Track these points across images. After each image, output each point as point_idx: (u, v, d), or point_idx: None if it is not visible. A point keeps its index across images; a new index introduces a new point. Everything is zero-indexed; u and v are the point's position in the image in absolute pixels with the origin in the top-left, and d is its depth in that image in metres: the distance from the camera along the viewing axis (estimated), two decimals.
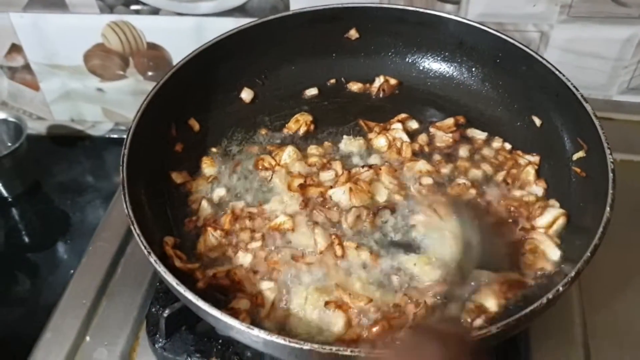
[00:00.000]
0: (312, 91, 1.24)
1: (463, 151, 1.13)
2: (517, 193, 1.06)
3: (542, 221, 1.00)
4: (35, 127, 1.63)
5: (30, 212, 1.49)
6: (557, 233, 0.99)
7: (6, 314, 1.28)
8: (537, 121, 1.13)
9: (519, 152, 1.12)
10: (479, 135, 1.16)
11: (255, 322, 0.88)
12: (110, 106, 1.59)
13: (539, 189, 1.06)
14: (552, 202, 1.04)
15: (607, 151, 0.93)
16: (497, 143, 1.15)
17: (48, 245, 1.41)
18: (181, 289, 0.81)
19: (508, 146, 1.14)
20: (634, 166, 1.29)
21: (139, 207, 0.93)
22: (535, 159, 1.11)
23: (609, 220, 0.85)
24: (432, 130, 1.17)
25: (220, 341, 0.96)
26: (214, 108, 1.19)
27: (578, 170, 1.03)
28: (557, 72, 1.06)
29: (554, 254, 0.96)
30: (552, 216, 1.00)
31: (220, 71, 1.18)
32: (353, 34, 1.24)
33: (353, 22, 1.23)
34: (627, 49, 1.36)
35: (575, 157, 1.04)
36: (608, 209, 0.86)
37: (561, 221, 0.99)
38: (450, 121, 1.17)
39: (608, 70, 1.41)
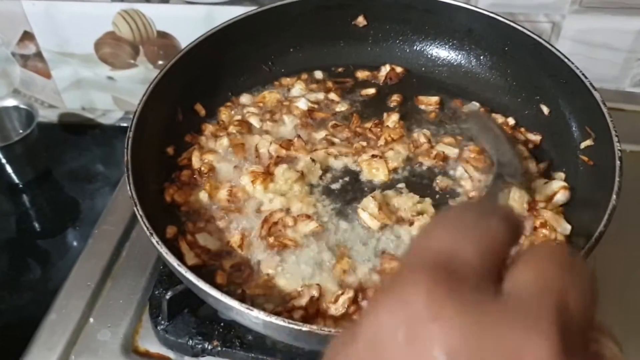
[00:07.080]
0: (319, 76, 1.23)
1: None
2: None
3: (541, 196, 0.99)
4: (47, 115, 1.63)
5: (40, 198, 1.49)
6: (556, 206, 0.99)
7: (16, 299, 1.27)
8: (545, 109, 1.12)
9: (522, 129, 1.12)
10: (473, 106, 1.16)
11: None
12: (121, 94, 1.59)
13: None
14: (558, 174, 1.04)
15: (615, 139, 0.92)
16: (500, 119, 1.14)
17: (58, 231, 1.41)
18: (182, 270, 0.81)
19: (512, 121, 1.14)
20: None
21: (143, 190, 0.93)
22: (536, 138, 1.10)
23: (615, 207, 0.84)
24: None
25: (222, 324, 0.95)
26: (221, 93, 1.19)
27: (586, 158, 1.02)
28: (566, 60, 1.04)
29: (564, 228, 0.95)
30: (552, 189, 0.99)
31: (227, 56, 1.17)
32: (361, 20, 1.23)
33: (361, 9, 1.22)
34: None
35: (583, 145, 1.03)
36: (614, 196, 0.85)
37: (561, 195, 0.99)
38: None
39: (620, 62, 1.38)
